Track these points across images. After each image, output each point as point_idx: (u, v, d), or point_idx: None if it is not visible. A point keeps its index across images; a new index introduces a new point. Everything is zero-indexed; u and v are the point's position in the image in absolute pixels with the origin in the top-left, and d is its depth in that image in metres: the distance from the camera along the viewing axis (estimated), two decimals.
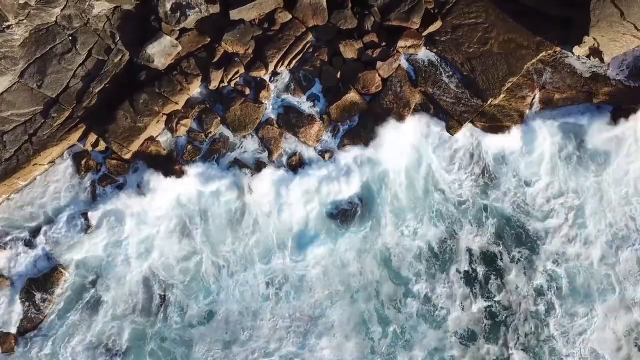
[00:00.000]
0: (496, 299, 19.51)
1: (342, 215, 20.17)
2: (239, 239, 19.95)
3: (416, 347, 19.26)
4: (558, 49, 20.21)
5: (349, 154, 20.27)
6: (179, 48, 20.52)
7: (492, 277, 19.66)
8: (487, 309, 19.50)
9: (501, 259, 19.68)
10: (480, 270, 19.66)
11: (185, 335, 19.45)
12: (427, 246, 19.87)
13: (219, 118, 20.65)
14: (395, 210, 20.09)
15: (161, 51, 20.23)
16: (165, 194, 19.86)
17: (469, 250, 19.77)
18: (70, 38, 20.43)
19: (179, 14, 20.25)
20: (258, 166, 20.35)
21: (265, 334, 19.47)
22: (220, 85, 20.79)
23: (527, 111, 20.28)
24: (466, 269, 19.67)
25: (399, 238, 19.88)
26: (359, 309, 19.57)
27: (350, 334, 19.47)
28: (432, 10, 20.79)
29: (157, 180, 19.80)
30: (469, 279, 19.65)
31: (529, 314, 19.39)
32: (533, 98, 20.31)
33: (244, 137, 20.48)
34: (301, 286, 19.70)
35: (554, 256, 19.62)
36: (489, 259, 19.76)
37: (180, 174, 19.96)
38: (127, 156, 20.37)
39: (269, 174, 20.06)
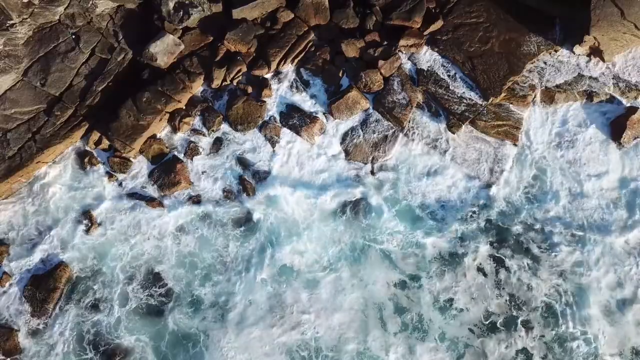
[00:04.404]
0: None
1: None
2: None
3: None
4: (559, 48, 20.33)
5: None
6: (182, 47, 20.63)
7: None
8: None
9: None
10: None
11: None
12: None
13: (221, 116, 20.75)
14: None
15: (164, 50, 20.35)
16: None
17: None
18: (73, 37, 20.54)
19: (182, 13, 20.37)
20: None
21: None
22: (223, 84, 20.89)
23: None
24: None
25: None
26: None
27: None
28: (433, 10, 20.92)
29: None
30: None
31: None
32: (534, 97, 20.40)
33: None
34: None
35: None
36: None
37: None
38: (131, 154, 20.45)
39: None
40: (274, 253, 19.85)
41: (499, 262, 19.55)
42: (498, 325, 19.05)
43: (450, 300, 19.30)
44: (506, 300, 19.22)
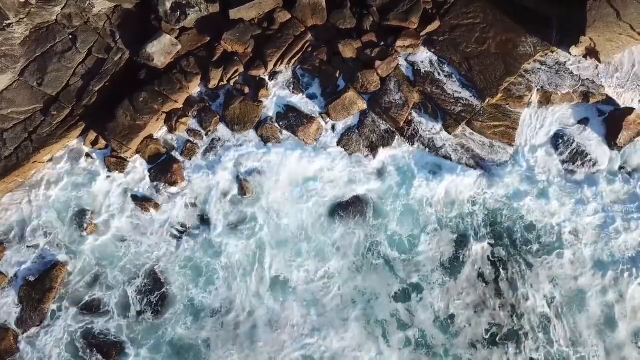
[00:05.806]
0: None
1: None
2: None
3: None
4: (555, 49, 20.38)
5: None
6: (179, 47, 20.64)
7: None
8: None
9: None
10: None
11: None
12: None
13: (218, 117, 20.76)
14: None
15: (161, 50, 20.36)
16: None
17: None
18: (70, 37, 20.54)
19: (179, 13, 20.38)
20: None
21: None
22: (220, 84, 20.89)
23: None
24: None
25: None
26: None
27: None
28: (430, 11, 20.96)
29: None
30: None
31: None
32: (530, 98, 20.43)
33: None
34: None
35: None
36: None
37: None
38: (127, 154, 20.44)
39: None
40: (270, 260, 19.83)
41: (498, 267, 19.55)
42: (498, 339, 19.11)
43: (452, 313, 19.32)
44: (507, 311, 19.25)
